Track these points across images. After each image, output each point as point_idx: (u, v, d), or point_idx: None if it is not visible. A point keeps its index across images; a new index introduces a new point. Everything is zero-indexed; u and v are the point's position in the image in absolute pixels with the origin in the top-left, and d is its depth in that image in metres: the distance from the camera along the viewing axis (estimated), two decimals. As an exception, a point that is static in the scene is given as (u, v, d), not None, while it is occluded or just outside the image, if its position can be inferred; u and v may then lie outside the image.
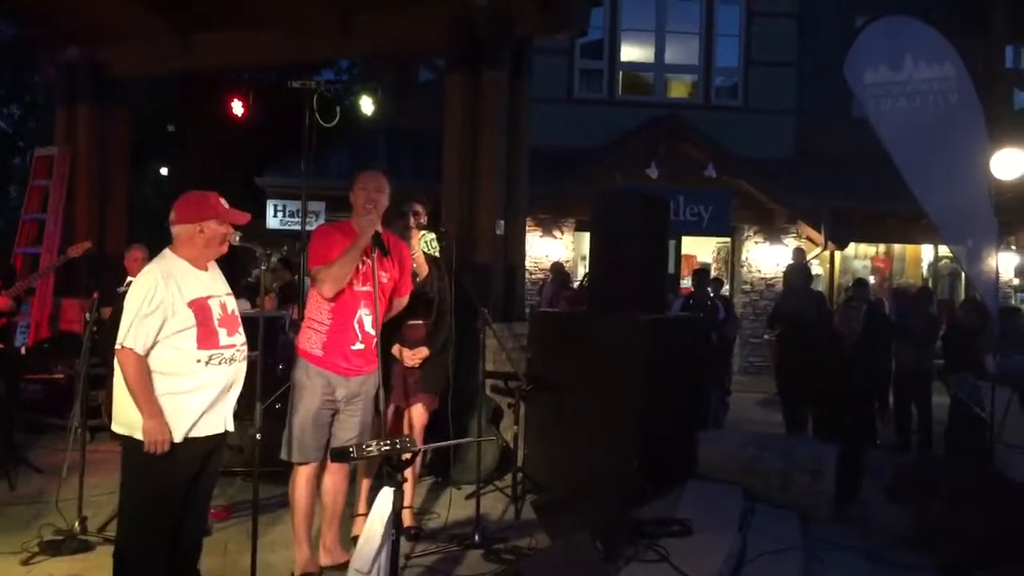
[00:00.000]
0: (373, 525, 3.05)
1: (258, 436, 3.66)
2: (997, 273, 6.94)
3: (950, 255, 14.78)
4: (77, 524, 4.59)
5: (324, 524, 4.30)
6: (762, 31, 15.81)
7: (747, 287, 15.23)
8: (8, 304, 6.07)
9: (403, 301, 4.44)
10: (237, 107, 8.97)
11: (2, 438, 6.04)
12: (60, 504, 4.82)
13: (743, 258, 15.26)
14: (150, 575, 3.45)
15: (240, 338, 3.59)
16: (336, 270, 3.99)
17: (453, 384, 4.94)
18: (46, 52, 9.71)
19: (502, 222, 7.35)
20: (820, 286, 13.95)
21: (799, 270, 9.95)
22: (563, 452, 5.71)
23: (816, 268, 14.51)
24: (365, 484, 4.76)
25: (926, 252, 16.52)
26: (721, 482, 5.69)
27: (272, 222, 14.75)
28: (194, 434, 3.43)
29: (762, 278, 15.21)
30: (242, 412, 3.75)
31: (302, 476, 4.14)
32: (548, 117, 12.66)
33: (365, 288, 4.10)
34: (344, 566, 3.74)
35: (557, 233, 14.80)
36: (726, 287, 14.28)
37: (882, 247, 16.59)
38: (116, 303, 4.71)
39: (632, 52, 16.08)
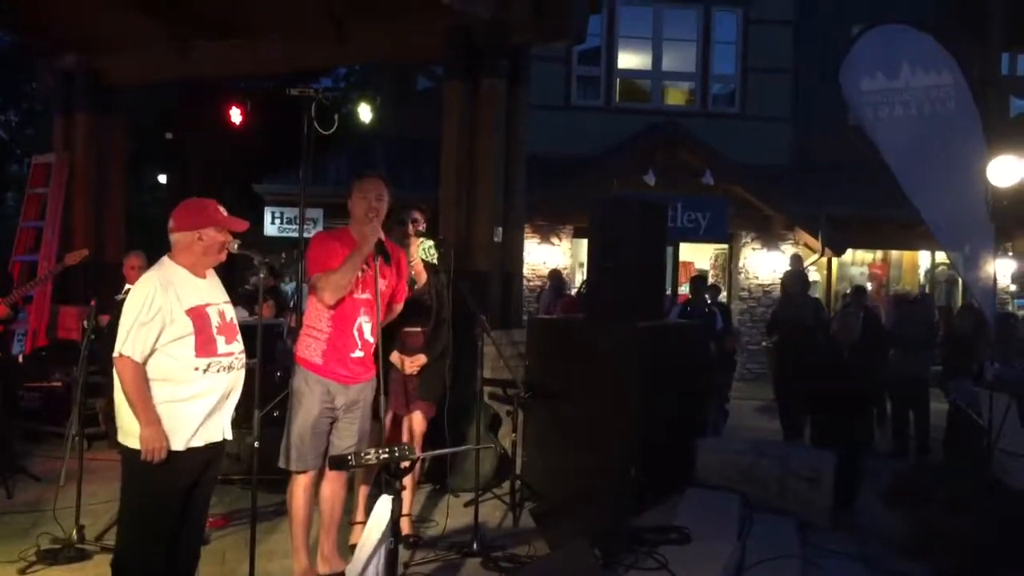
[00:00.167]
0: (371, 533, 3.04)
1: (256, 444, 3.65)
2: (994, 279, 6.96)
3: (947, 261, 14.82)
4: (75, 533, 4.58)
5: (322, 532, 4.30)
6: (759, 39, 15.84)
7: (744, 294, 15.25)
8: (5, 312, 6.07)
9: (399, 308, 4.45)
10: (235, 115, 8.98)
11: (-1, 446, 6.04)
12: (58, 513, 4.82)
13: (740, 265, 15.28)
14: (148, 584, 3.44)
15: (238, 346, 3.58)
16: (339, 277, 3.99)
17: (451, 392, 4.94)
18: (43, 60, 9.71)
19: (500, 229, 7.36)
20: (817, 293, 13.95)
21: (796, 277, 9.95)
22: (561, 459, 5.71)
23: (813, 275, 14.50)
24: (363, 492, 4.75)
25: (923, 258, 16.54)
26: (719, 489, 5.69)
27: (270, 229, 14.74)
28: (193, 443, 3.43)
29: (759, 285, 15.23)
30: (240, 420, 3.75)
31: (300, 484, 4.14)
32: (545, 124, 12.66)
33: (365, 295, 4.11)
34: (342, 575, 3.73)
35: (555, 240, 14.81)
36: (723, 294, 14.28)
37: (879, 253, 16.61)
38: (114, 311, 4.71)
39: (629, 59, 16.10)
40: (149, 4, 7.99)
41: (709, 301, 9.88)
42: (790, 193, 14.45)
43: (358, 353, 4.13)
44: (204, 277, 3.57)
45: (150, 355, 3.35)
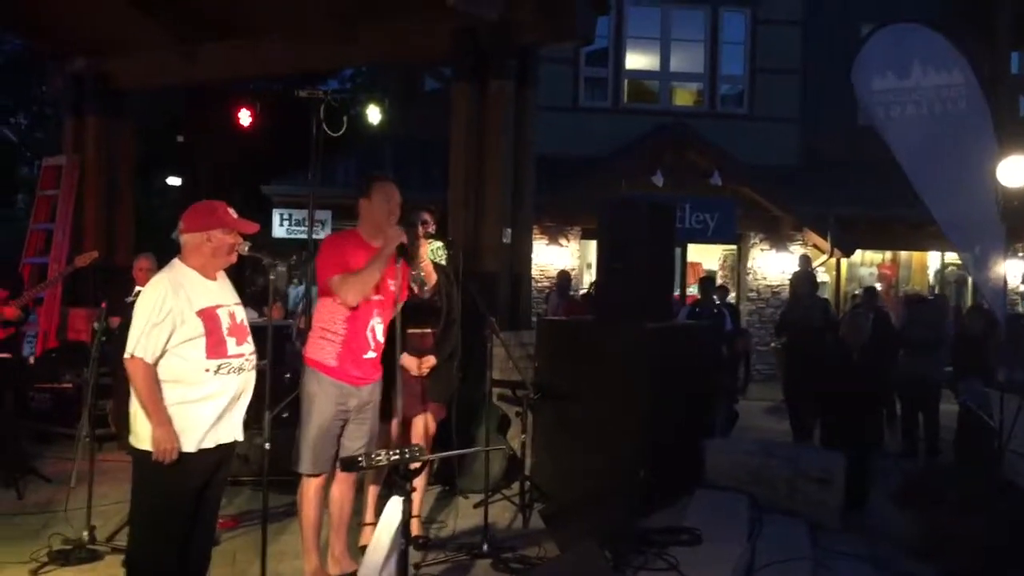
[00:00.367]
0: (382, 534, 3.04)
1: (267, 445, 3.66)
2: (1005, 280, 6.93)
3: (957, 262, 14.77)
4: (86, 534, 4.58)
5: (332, 533, 4.31)
6: (767, 39, 15.82)
7: (753, 295, 15.22)
8: (16, 314, 6.08)
9: (399, 307, 4.48)
10: (244, 117, 9.00)
11: (10, 448, 6.06)
12: (69, 513, 4.84)
13: (749, 266, 15.25)
14: (159, 585, 3.45)
15: (249, 347, 3.59)
16: (365, 278, 4.02)
17: (460, 393, 4.95)
18: (53, 63, 9.76)
19: (509, 231, 7.35)
20: (826, 293, 13.92)
21: (805, 278, 9.93)
22: (570, 461, 5.70)
23: (822, 275, 14.48)
24: (372, 492, 4.75)
25: (933, 259, 16.49)
26: (729, 490, 5.68)
27: (278, 231, 14.77)
28: (204, 444, 3.44)
29: (768, 286, 15.20)
30: (249, 421, 3.75)
31: (312, 487, 4.15)
32: (553, 125, 12.67)
33: (377, 296, 4.14)
34: (352, 575, 3.73)
35: (563, 241, 14.81)
36: (732, 295, 14.26)
37: (888, 254, 16.56)
38: (124, 313, 4.72)
39: (637, 60, 16.10)
40: (149, 4, 8.02)
41: (718, 302, 9.87)
42: (798, 194, 14.42)
43: (370, 354, 4.17)
44: (214, 279, 3.59)
45: (161, 356, 3.36)
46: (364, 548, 4.40)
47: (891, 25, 7.02)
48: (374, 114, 11.29)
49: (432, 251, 5.11)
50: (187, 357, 3.39)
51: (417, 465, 3.01)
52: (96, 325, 5.07)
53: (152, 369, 3.34)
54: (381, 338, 4.19)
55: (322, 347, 4.13)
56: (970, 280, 14.26)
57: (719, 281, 14.19)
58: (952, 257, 15.21)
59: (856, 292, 14.67)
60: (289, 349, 6.65)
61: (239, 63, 8.79)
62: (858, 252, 15.35)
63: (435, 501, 5.81)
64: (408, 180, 12.39)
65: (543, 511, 5.20)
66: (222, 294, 3.59)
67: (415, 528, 4.65)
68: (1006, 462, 6.24)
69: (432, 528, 5.22)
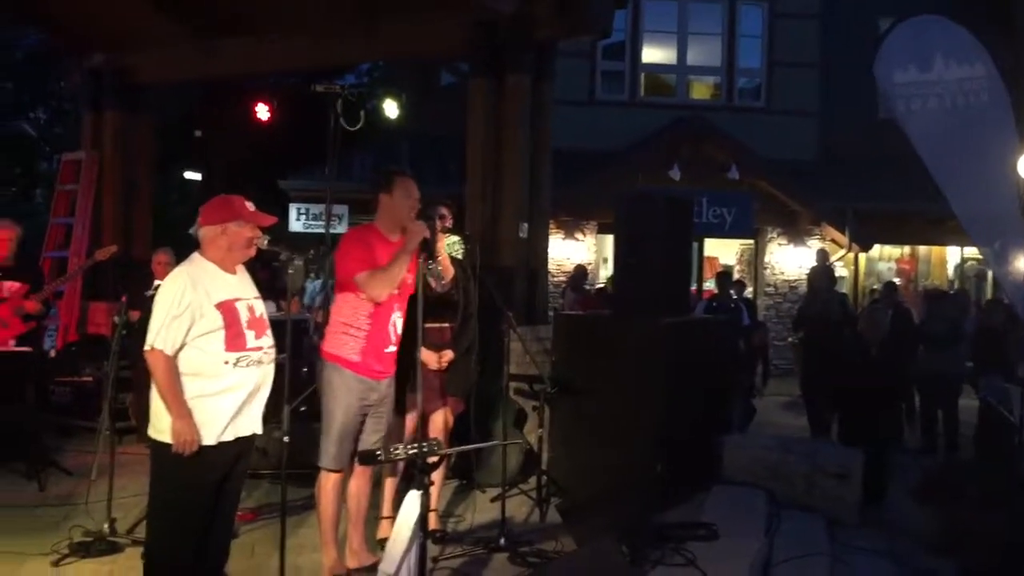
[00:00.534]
0: (401, 529, 3.05)
1: (285, 439, 3.67)
2: (1025, 275, 6.87)
3: (976, 256, 14.66)
4: (106, 526, 4.62)
5: (350, 527, 4.32)
6: (785, 32, 15.73)
7: (771, 289, 15.15)
8: (37, 308, 6.13)
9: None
10: (262, 111, 9.03)
11: (32, 441, 6.11)
12: (90, 506, 4.88)
13: (766, 260, 15.18)
14: (179, 577, 3.47)
15: (268, 340, 3.61)
16: (393, 273, 4.02)
17: (477, 387, 4.95)
18: (71, 58, 9.81)
19: (526, 225, 7.35)
20: (844, 288, 13.84)
21: (823, 272, 9.89)
22: (587, 455, 5.70)
23: (840, 270, 14.41)
24: (389, 486, 4.76)
25: (952, 254, 16.37)
26: (746, 485, 5.65)
27: (295, 225, 14.84)
28: (224, 437, 3.46)
29: (785, 280, 15.13)
30: (268, 414, 3.77)
31: (330, 481, 4.16)
32: (570, 119, 12.64)
33: (396, 291, 4.15)
34: (371, 568, 3.75)
35: (579, 235, 14.78)
36: (749, 289, 14.21)
37: (907, 249, 16.46)
38: (144, 307, 4.75)
39: (654, 54, 16.04)
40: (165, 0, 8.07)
41: (735, 297, 9.83)
42: (816, 188, 14.35)
43: (391, 348, 4.20)
44: (234, 272, 3.61)
45: (180, 349, 3.38)
46: (382, 541, 4.43)
47: (913, 18, 6.97)
48: (391, 109, 11.29)
49: (449, 245, 5.12)
50: (206, 350, 3.41)
51: (435, 459, 3.02)
52: (116, 319, 5.11)
53: (172, 361, 3.37)
54: (399, 331, 4.22)
55: (345, 342, 4.13)
56: (990, 275, 14.16)
57: (736, 276, 14.14)
58: (972, 252, 15.09)
59: (875, 287, 14.58)
60: (307, 343, 6.68)
61: (257, 58, 8.81)
62: (876, 247, 15.27)
63: (452, 495, 5.82)
64: (425, 175, 12.32)
65: (560, 505, 5.20)
66: (241, 287, 3.61)
67: (433, 522, 4.65)
68: (1026, 458, 6.19)
69: (450, 522, 5.23)
